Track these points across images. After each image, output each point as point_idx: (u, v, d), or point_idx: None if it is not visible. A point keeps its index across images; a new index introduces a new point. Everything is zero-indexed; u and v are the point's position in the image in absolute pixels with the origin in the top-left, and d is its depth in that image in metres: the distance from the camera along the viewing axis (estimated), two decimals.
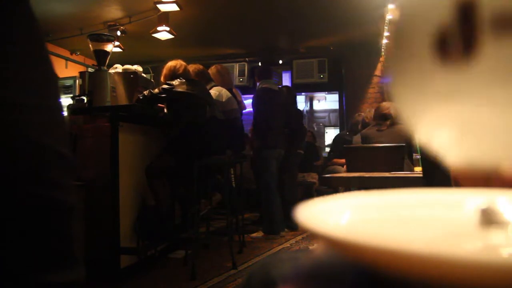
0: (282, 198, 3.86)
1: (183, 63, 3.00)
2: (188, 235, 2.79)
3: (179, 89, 2.80)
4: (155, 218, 2.70)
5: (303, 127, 4.55)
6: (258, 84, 4.02)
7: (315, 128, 7.77)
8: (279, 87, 4.17)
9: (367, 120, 4.00)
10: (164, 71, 2.97)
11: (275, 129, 3.77)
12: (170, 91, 2.79)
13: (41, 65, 0.58)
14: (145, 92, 2.82)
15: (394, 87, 0.27)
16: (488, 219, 0.26)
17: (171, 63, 2.98)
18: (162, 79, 2.99)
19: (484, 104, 0.23)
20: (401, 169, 2.59)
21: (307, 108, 8.02)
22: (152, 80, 3.89)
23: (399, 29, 0.26)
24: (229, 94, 3.48)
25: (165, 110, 2.96)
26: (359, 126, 4.45)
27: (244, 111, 3.95)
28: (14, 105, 0.51)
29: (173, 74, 2.90)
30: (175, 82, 2.82)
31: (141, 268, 2.60)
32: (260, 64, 6.93)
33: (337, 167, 4.78)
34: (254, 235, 3.74)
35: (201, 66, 3.55)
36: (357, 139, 3.91)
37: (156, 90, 2.82)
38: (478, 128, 0.25)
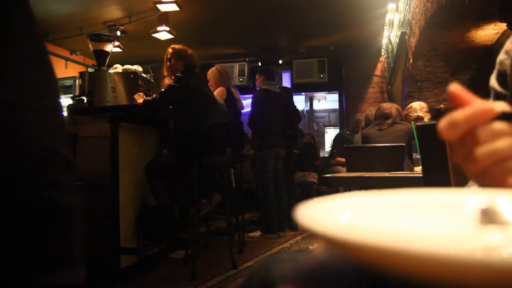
0: (284, 198, 3.87)
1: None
2: (188, 235, 2.79)
3: (193, 84, 2.73)
4: (155, 218, 2.69)
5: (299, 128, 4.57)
6: (257, 84, 4.04)
7: (315, 128, 7.77)
8: (279, 89, 4.15)
9: (371, 119, 3.99)
10: (172, 51, 2.86)
11: (273, 130, 3.78)
12: (184, 82, 2.70)
13: (41, 66, 0.58)
14: (154, 95, 2.77)
15: None
16: (488, 219, 0.26)
17: (180, 46, 2.88)
18: (170, 58, 2.86)
19: None
20: (401, 169, 2.59)
21: (307, 108, 8.02)
22: (152, 80, 3.89)
23: None
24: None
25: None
26: (363, 124, 4.45)
27: (242, 110, 3.95)
28: (13, 106, 0.51)
29: (183, 58, 2.82)
30: (187, 75, 2.74)
31: (141, 268, 2.60)
32: (260, 64, 6.93)
33: (337, 167, 4.78)
34: (251, 234, 3.74)
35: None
36: (358, 138, 3.91)
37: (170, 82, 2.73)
38: None
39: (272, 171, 3.78)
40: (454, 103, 0.37)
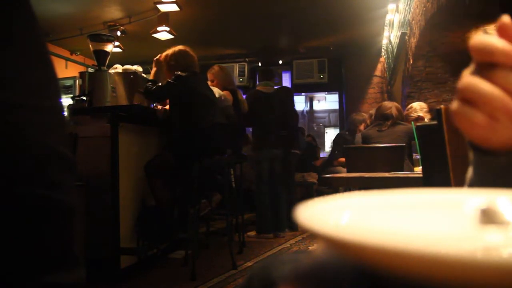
0: (282, 198, 3.87)
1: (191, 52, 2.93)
2: (188, 235, 2.79)
3: (191, 84, 2.73)
4: (155, 218, 2.70)
5: (298, 128, 4.55)
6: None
7: (315, 128, 7.77)
8: (276, 89, 4.12)
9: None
10: (171, 55, 2.86)
11: (264, 131, 3.79)
12: (182, 81, 2.70)
13: (42, 66, 0.58)
14: (155, 86, 2.75)
15: None
16: (488, 219, 0.26)
17: (180, 47, 2.89)
18: (166, 63, 2.87)
19: None
20: (401, 169, 2.59)
21: (307, 108, 8.01)
22: None
23: None
24: (221, 92, 3.44)
25: (167, 107, 2.91)
26: (368, 122, 4.45)
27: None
28: (14, 105, 0.51)
29: (183, 61, 2.83)
30: (185, 74, 2.74)
31: (141, 268, 2.60)
32: (260, 64, 6.93)
33: (337, 167, 4.78)
34: (248, 234, 3.75)
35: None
36: (358, 138, 3.91)
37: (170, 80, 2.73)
38: None
39: (266, 172, 3.80)
40: (500, 35, 0.34)
